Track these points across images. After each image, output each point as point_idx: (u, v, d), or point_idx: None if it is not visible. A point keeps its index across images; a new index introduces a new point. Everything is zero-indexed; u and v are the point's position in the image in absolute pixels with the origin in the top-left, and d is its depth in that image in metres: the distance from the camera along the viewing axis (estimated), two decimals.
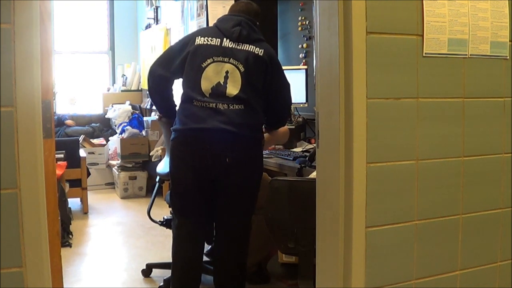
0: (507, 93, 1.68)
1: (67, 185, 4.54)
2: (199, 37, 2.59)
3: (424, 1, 1.52)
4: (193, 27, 4.37)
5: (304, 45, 3.96)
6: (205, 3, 4.02)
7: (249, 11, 2.70)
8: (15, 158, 1.22)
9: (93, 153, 5.98)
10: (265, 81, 2.56)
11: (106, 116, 6.67)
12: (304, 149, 3.29)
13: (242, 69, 2.50)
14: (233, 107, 2.47)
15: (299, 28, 4.00)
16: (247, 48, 2.55)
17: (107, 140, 6.31)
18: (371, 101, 1.47)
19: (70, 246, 3.91)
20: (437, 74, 1.56)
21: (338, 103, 1.48)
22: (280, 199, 2.12)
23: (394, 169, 1.52)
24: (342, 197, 1.49)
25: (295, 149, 3.36)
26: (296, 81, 3.64)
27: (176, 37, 5.10)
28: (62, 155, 4.27)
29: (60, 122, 6.31)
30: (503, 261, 1.71)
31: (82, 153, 5.10)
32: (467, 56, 1.60)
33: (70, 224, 4.26)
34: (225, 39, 2.56)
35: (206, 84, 2.50)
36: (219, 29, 2.60)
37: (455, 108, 1.60)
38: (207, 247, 3.50)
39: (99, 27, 7.28)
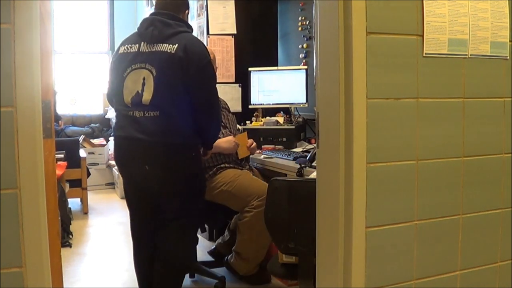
0: (507, 93, 1.68)
1: (67, 185, 4.54)
2: (122, 46, 2.54)
3: (424, 1, 1.52)
4: (193, 27, 4.37)
5: (304, 45, 3.96)
6: (205, 3, 4.02)
7: (166, 5, 2.53)
8: (15, 158, 1.22)
9: (93, 153, 5.99)
10: (185, 78, 2.37)
11: (106, 116, 6.67)
12: (304, 149, 3.29)
13: (155, 73, 2.37)
14: (148, 114, 2.38)
15: (299, 28, 4.00)
16: (160, 48, 2.39)
17: (107, 140, 6.31)
18: (371, 101, 1.47)
19: (70, 246, 3.91)
20: (437, 74, 1.56)
21: (338, 103, 1.48)
22: (280, 199, 2.12)
23: (394, 169, 1.52)
24: (342, 197, 1.49)
25: (295, 149, 3.36)
26: (296, 81, 3.65)
27: None
28: (62, 155, 4.27)
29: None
30: (503, 261, 1.71)
31: (82, 153, 5.10)
32: (467, 56, 1.60)
33: (70, 224, 4.26)
34: (142, 43, 2.45)
35: (127, 94, 2.44)
36: (138, 33, 2.51)
37: (455, 108, 1.60)
38: (209, 247, 3.51)
39: (99, 27, 7.28)
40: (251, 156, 3.22)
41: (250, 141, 3.12)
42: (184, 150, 2.46)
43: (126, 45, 2.51)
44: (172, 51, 2.36)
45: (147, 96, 2.37)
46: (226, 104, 3.27)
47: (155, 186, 2.49)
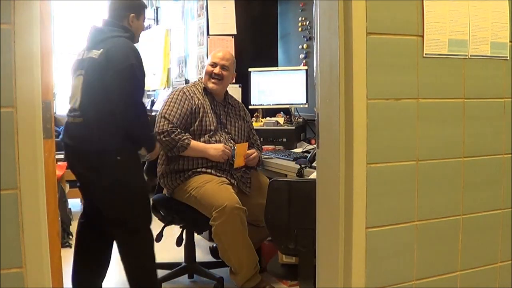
0: (507, 93, 1.68)
1: (67, 185, 4.54)
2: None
3: (424, 2, 1.52)
4: (193, 28, 4.37)
5: (305, 46, 3.96)
6: (205, 4, 4.02)
7: (109, 11, 2.62)
8: (15, 158, 1.22)
9: None
10: (105, 83, 2.40)
11: None
12: (304, 150, 3.29)
13: (82, 79, 2.47)
14: (76, 120, 2.49)
15: (300, 29, 4.00)
16: (90, 55, 2.48)
17: None
18: (371, 101, 1.47)
19: (70, 247, 3.90)
20: (437, 74, 1.56)
21: (338, 104, 1.47)
22: (280, 200, 2.12)
23: (395, 169, 1.52)
24: (342, 197, 1.49)
25: (295, 150, 3.36)
26: (296, 81, 3.65)
27: (176, 38, 5.09)
28: (62, 156, 4.26)
29: None
30: (503, 261, 1.71)
31: None
32: (467, 57, 1.60)
33: (70, 224, 4.25)
34: (85, 49, 2.57)
35: (70, 100, 2.57)
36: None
37: (455, 109, 1.60)
38: (208, 247, 3.51)
39: None
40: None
41: (251, 151, 3.03)
42: (106, 155, 2.47)
43: (79, 51, 2.63)
44: (96, 57, 2.44)
45: (77, 102, 2.47)
46: (244, 111, 3.23)
47: (91, 192, 2.60)
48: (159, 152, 2.88)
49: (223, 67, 3.06)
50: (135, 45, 2.57)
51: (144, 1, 6.82)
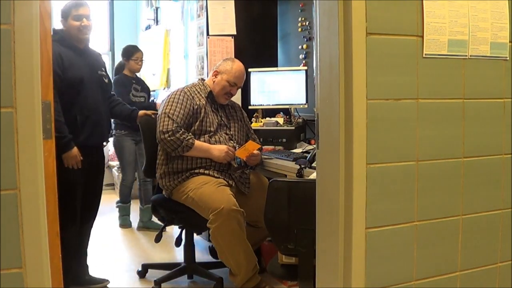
0: (507, 94, 1.68)
1: None
2: None
3: (424, 2, 1.52)
4: (193, 28, 4.37)
5: (304, 46, 3.96)
6: (205, 4, 4.02)
7: None
8: (15, 159, 1.22)
9: None
10: None
11: None
12: (304, 150, 3.28)
13: None
14: None
15: (299, 29, 4.00)
16: None
17: (107, 141, 6.30)
18: (371, 102, 1.47)
19: None
20: (437, 75, 1.56)
21: (338, 104, 1.48)
22: (280, 200, 2.12)
23: (394, 170, 1.52)
24: (342, 198, 1.49)
25: (295, 150, 3.36)
26: (296, 82, 3.65)
27: (176, 38, 5.10)
28: None
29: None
30: (503, 262, 1.71)
31: None
32: (467, 57, 1.60)
33: None
34: None
35: None
36: None
37: (455, 109, 1.60)
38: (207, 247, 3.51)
39: (99, 27, 7.28)
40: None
41: (256, 152, 3.02)
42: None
43: None
44: None
45: None
46: (241, 112, 3.26)
47: None
48: (75, 162, 2.75)
49: (239, 87, 3.15)
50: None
51: (145, 1, 6.74)
